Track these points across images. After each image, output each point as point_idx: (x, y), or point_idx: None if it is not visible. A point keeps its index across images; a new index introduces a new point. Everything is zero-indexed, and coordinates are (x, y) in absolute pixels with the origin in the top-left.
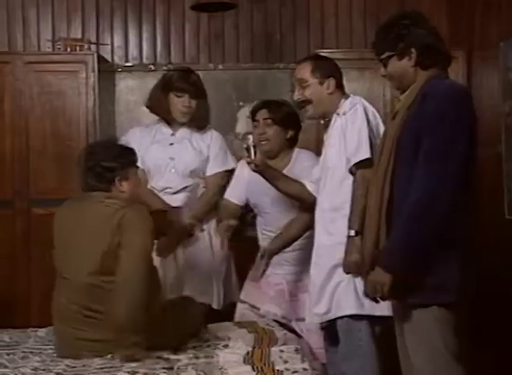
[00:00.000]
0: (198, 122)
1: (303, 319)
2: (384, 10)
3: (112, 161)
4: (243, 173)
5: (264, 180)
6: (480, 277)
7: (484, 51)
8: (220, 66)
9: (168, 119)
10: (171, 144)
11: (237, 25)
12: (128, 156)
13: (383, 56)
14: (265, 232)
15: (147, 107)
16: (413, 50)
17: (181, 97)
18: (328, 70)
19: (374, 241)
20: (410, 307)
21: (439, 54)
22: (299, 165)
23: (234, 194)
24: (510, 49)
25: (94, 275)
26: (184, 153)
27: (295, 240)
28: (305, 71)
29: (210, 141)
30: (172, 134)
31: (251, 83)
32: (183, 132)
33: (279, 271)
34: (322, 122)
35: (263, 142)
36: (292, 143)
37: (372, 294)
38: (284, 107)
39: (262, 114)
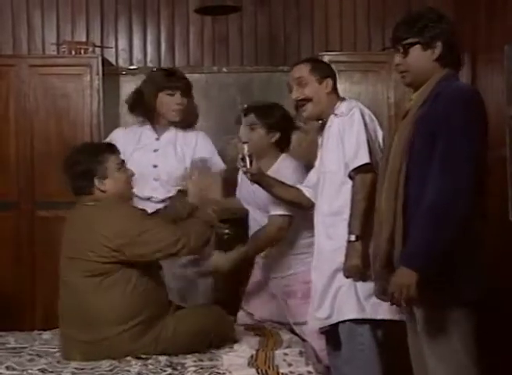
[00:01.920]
0: (188, 120)
1: (299, 323)
2: (388, 13)
3: (85, 162)
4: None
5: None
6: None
7: (488, 54)
8: (224, 69)
9: (156, 121)
10: (155, 150)
11: (241, 28)
12: (103, 153)
13: (407, 42)
14: None
15: (131, 111)
16: (439, 43)
17: (173, 95)
18: (326, 71)
19: (388, 246)
20: (427, 307)
21: (458, 54)
22: (280, 171)
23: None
24: None
25: (84, 277)
26: (168, 160)
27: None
28: (304, 70)
29: (195, 145)
30: (157, 139)
31: (255, 85)
32: (168, 136)
33: (268, 275)
34: (315, 125)
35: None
36: (279, 146)
37: (398, 297)
38: (274, 111)
39: (248, 119)
